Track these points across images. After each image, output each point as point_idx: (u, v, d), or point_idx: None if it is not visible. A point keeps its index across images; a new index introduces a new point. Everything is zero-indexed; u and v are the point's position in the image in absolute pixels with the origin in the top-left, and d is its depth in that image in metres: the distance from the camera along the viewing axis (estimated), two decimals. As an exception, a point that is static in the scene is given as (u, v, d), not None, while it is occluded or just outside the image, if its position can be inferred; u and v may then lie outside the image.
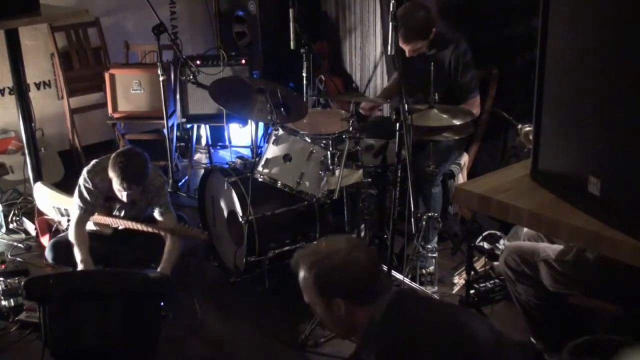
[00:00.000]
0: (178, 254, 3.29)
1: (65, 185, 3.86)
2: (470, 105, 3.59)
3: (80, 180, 3.34)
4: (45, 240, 3.80)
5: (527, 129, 3.24)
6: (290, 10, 3.93)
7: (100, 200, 3.34)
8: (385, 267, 3.28)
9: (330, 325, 1.94)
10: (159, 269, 3.21)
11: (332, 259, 1.82)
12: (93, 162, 3.38)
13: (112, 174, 3.17)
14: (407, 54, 3.60)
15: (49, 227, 3.89)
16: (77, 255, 3.22)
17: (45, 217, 3.92)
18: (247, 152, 4.88)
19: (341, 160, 3.24)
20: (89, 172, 3.33)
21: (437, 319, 1.83)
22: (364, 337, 1.83)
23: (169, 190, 3.49)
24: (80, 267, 3.20)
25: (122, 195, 3.21)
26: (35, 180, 4.06)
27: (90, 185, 3.30)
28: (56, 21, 4.65)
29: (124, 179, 3.13)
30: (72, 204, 3.40)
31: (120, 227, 3.40)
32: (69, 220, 3.57)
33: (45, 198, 3.83)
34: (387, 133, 3.40)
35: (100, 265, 3.33)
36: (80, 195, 3.32)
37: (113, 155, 3.21)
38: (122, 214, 3.43)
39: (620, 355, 2.00)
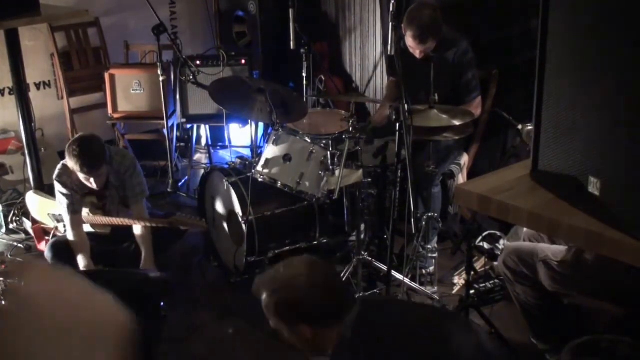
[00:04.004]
0: (150, 239, 3.26)
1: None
2: (471, 105, 3.59)
3: (55, 186, 3.33)
4: (43, 247, 3.77)
5: (530, 127, 3.25)
6: (290, 11, 3.93)
7: (78, 196, 3.32)
8: (385, 268, 3.30)
9: (299, 347, 1.92)
10: (142, 263, 3.18)
11: (292, 286, 1.81)
12: (59, 164, 3.35)
13: (70, 165, 3.15)
14: (418, 55, 3.56)
15: (45, 234, 3.86)
16: (80, 262, 3.21)
17: (41, 225, 3.88)
18: (247, 152, 4.88)
19: (341, 161, 3.24)
20: (56, 176, 3.32)
21: (405, 333, 1.84)
22: (334, 357, 1.82)
23: (142, 171, 3.42)
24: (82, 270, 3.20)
25: (91, 183, 3.19)
26: (35, 181, 4.05)
27: (61, 187, 3.29)
28: (56, 21, 4.64)
29: (83, 165, 3.10)
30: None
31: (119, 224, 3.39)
32: (65, 225, 3.56)
33: (39, 207, 3.80)
34: (388, 133, 3.40)
35: (100, 265, 3.32)
36: (60, 200, 3.32)
37: (66, 147, 3.18)
38: (110, 204, 3.38)
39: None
